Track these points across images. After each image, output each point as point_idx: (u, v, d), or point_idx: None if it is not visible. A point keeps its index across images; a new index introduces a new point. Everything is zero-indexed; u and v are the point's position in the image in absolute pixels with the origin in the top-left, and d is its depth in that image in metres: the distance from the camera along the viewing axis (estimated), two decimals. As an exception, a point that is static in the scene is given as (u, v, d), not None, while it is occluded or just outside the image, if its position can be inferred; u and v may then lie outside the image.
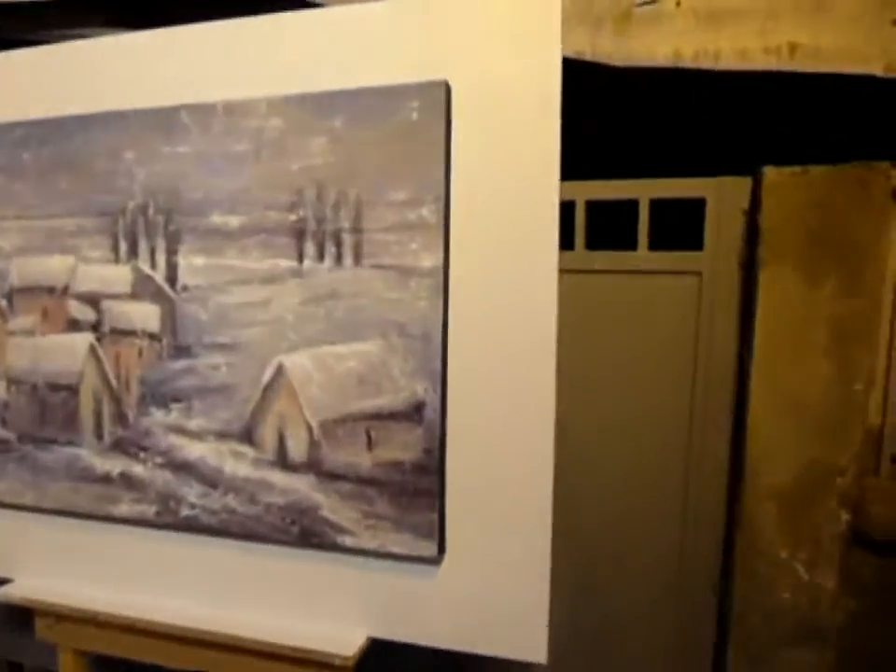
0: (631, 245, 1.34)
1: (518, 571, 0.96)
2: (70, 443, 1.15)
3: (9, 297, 1.18)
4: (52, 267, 1.15)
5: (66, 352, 1.14)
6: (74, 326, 1.14)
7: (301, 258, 1.01)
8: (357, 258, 0.99)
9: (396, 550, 0.98)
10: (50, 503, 1.16)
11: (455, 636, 0.99)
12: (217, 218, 1.05)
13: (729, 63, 1.02)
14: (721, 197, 1.26)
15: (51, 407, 1.16)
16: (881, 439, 1.09)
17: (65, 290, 1.14)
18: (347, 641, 1.01)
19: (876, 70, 0.99)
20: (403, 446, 0.97)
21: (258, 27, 1.03)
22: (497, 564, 0.97)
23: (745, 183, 1.18)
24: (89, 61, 1.13)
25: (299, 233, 1.01)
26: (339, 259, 1.00)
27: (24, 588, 1.18)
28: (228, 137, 1.04)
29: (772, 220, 1.11)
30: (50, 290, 1.15)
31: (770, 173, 1.12)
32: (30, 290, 1.17)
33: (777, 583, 1.18)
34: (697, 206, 1.25)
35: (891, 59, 0.98)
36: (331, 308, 1.00)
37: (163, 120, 1.07)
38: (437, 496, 0.96)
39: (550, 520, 0.95)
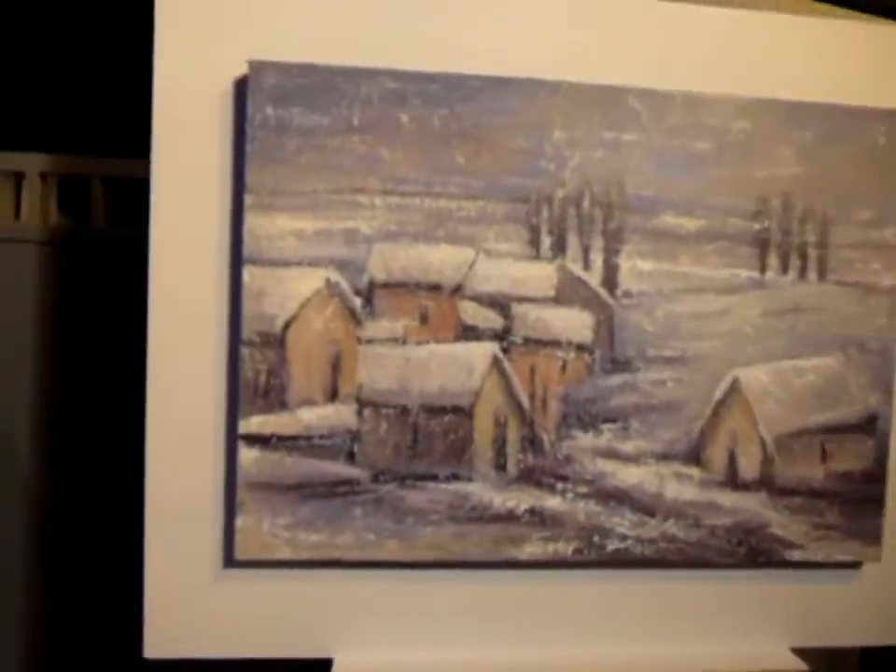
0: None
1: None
2: (454, 478, 0.93)
3: (368, 294, 0.91)
4: (438, 259, 0.92)
5: (457, 366, 0.92)
6: (468, 333, 0.93)
7: (763, 269, 0.97)
8: (822, 273, 0.98)
9: (843, 558, 1.01)
10: (421, 554, 0.92)
11: (872, 632, 1.05)
12: (670, 219, 0.95)
13: None
14: None
15: (428, 435, 0.92)
16: None
17: (457, 289, 0.92)
18: (782, 657, 1.01)
19: None
20: (856, 456, 1.00)
21: (726, 19, 0.96)
22: (907, 559, 1.06)
23: None
24: (505, 13, 0.92)
25: (762, 244, 0.97)
26: (803, 272, 0.98)
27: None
28: (686, 132, 0.95)
29: None
30: (433, 288, 0.92)
31: None
32: (401, 287, 0.91)
33: None
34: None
35: None
36: (793, 322, 0.98)
37: (605, 101, 0.93)
38: (883, 502, 1.01)
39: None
